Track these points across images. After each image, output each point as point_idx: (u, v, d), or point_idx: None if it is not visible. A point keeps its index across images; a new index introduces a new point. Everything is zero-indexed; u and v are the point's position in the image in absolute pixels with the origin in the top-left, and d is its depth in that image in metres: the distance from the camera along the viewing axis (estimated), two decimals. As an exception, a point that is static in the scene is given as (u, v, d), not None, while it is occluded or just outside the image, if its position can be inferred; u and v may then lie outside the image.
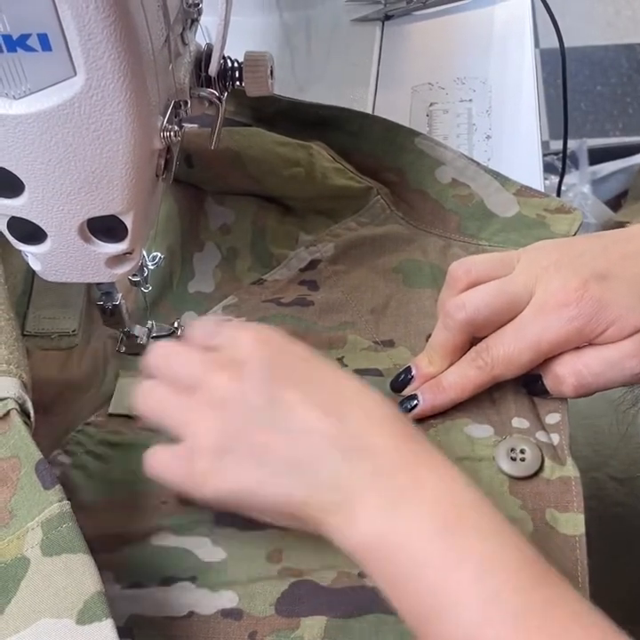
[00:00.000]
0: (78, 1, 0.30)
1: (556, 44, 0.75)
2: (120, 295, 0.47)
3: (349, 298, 0.54)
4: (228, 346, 0.41)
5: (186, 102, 0.40)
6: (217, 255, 0.56)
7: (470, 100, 0.67)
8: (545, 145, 1.69)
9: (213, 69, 0.41)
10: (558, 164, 1.00)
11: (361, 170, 0.59)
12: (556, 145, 1.64)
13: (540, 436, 0.44)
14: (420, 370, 0.47)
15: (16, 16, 0.30)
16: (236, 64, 0.43)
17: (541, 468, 0.42)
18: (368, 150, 0.58)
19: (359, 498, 0.36)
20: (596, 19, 1.84)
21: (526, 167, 0.60)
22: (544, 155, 0.78)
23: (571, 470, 0.42)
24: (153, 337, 0.50)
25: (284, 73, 0.71)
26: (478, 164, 0.57)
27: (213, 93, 0.42)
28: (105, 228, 0.39)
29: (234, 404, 0.39)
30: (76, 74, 0.32)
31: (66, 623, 0.35)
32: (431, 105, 0.67)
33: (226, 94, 0.43)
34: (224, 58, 0.42)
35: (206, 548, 0.42)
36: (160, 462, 0.40)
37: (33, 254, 0.41)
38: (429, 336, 0.48)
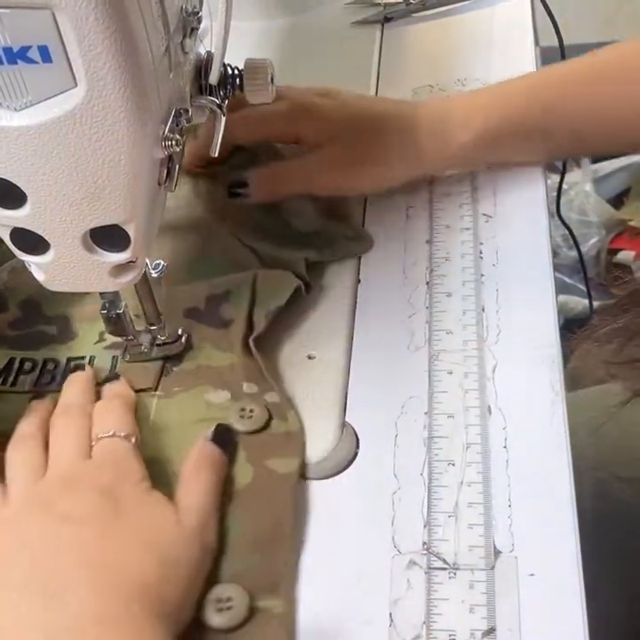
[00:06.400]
0: (78, 13, 0.30)
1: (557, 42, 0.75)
2: (124, 303, 0.47)
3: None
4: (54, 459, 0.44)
5: (187, 111, 0.40)
6: None
7: (471, 102, 0.66)
8: (546, 143, 1.68)
9: (214, 77, 0.41)
10: (559, 162, 1.00)
11: None
12: (558, 143, 1.63)
13: (269, 396, 0.49)
14: None
15: (16, 28, 0.30)
16: (236, 71, 0.43)
17: (268, 424, 0.47)
18: None
19: None
20: (596, 15, 1.84)
21: (527, 167, 0.60)
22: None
23: (291, 425, 0.47)
24: (157, 345, 0.50)
25: (285, 77, 0.71)
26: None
27: (214, 101, 0.42)
28: (108, 237, 0.39)
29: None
30: (76, 85, 0.32)
31: None
32: (432, 107, 0.67)
33: (226, 102, 0.43)
34: (224, 65, 0.42)
35: None
36: None
37: (36, 264, 0.41)
38: None
